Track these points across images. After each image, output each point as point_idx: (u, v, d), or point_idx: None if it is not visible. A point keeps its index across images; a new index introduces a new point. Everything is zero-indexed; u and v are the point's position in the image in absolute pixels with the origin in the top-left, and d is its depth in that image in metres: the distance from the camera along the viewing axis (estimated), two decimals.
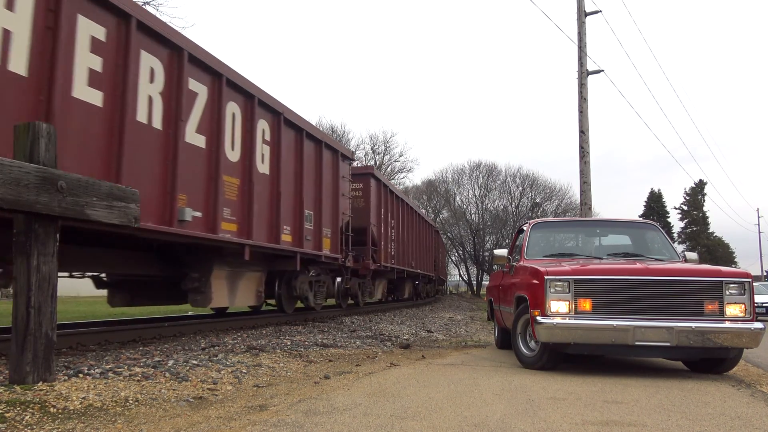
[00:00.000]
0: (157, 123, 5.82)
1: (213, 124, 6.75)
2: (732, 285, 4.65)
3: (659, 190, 62.70)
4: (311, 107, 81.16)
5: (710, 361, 4.91)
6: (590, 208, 14.55)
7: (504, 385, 4.10)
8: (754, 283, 5.60)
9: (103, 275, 7.27)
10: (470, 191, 46.92)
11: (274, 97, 8.20)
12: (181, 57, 6.12)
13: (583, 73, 14.65)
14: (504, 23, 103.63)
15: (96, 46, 5.05)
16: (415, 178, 73.49)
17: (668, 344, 4.53)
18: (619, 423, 2.98)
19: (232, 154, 7.14)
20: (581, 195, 14.50)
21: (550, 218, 17.95)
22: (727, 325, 4.53)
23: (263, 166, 7.91)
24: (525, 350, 5.24)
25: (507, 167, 49.33)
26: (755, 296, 5.03)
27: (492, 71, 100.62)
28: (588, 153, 14.39)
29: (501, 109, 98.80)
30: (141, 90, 5.56)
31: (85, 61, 4.94)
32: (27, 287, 3.18)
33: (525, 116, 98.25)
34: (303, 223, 9.05)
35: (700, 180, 59.81)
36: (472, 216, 46.22)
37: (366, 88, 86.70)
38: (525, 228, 6.65)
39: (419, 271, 19.83)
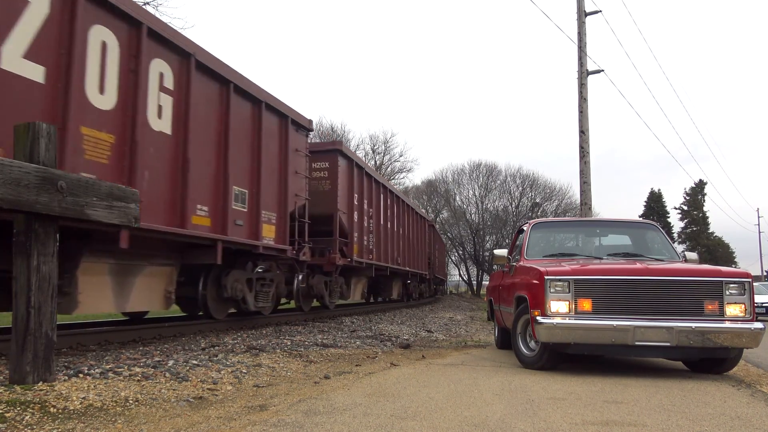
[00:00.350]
0: None
1: (60, 51, 4.81)
2: (732, 285, 4.65)
3: (659, 190, 62.78)
4: (311, 107, 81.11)
5: (710, 361, 4.91)
6: (590, 208, 14.55)
7: (504, 385, 4.10)
8: (754, 283, 5.60)
9: None
10: (470, 191, 47.01)
11: (180, 32, 6.34)
12: None
13: (583, 73, 14.65)
14: (504, 23, 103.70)
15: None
16: (415, 178, 73.59)
17: (668, 344, 4.53)
18: (619, 423, 2.98)
19: (101, 99, 5.23)
20: (581, 195, 14.50)
21: (550, 218, 17.96)
22: (727, 325, 4.53)
23: (160, 123, 5.97)
24: (525, 350, 5.24)
25: (507, 167, 49.44)
26: (755, 296, 5.02)
27: (492, 71, 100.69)
28: (588, 153, 14.39)
29: (501, 109, 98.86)
30: None
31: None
32: (27, 287, 3.18)
33: (525, 116, 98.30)
34: (229, 203, 7.02)
35: (700, 180, 59.87)
36: (472, 216, 46.29)
37: (366, 88, 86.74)
38: (525, 228, 6.65)
39: (407, 268, 17.71)
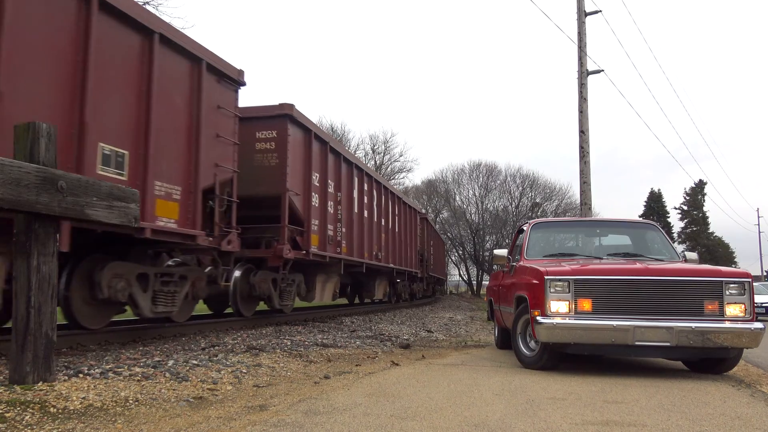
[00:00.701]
0: None
1: None
2: (732, 285, 4.65)
3: (659, 190, 62.71)
4: (311, 107, 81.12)
5: (710, 361, 4.91)
6: (590, 208, 14.55)
7: (504, 385, 4.10)
8: (754, 283, 5.60)
9: None
10: (470, 191, 47.02)
11: None
12: None
13: (583, 73, 14.65)
14: (504, 23, 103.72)
15: None
16: (415, 178, 73.63)
17: (668, 344, 4.53)
18: (619, 423, 2.98)
19: None
20: (581, 195, 14.51)
21: (550, 218, 17.96)
22: (727, 325, 4.53)
23: None
24: (525, 350, 5.24)
25: (507, 167, 49.44)
26: (755, 296, 5.03)
27: (492, 71, 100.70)
28: (588, 153, 14.39)
29: (501, 109, 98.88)
30: None
31: None
32: (27, 287, 3.18)
33: (525, 116, 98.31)
34: (90, 166, 5.09)
35: (700, 180, 59.82)
36: (472, 216, 46.30)
37: (366, 88, 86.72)
38: (525, 228, 6.65)
39: (392, 266, 15.24)
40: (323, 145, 10.27)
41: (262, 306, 9.54)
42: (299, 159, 9.31)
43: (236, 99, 7.47)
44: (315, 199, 9.80)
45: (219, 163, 6.93)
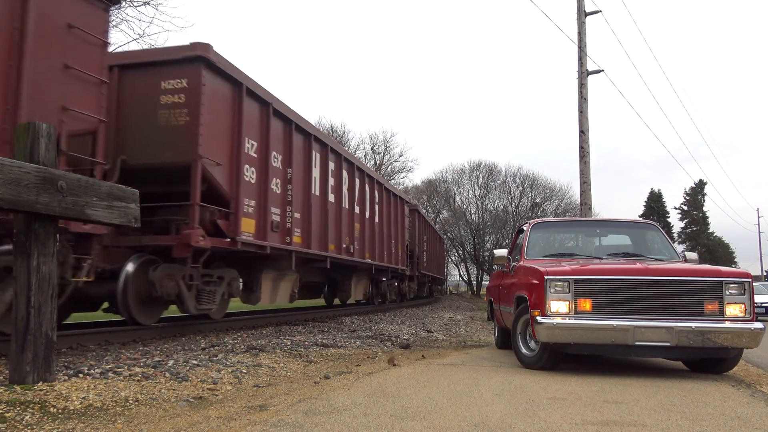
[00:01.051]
0: None
1: None
2: (732, 285, 4.65)
3: (659, 190, 62.72)
4: (311, 107, 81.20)
5: (710, 361, 4.91)
6: (590, 208, 14.55)
7: (504, 385, 4.10)
8: (754, 283, 5.60)
9: None
10: (470, 191, 47.00)
11: None
12: None
13: (583, 73, 14.65)
14: (504, 23, 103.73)
15: None
16: (415, 178, 73.55)
17: (668, 344, 4.53)
18: (619, 423, 2.98)
19: None
20: (581, 195, 14.50)
21: (550, 218, 17.95)
22: (727, 325, 4.53)
23: None
24: (525, 350, 5.24)
25: (507, 167, 49.39)
26: (755, 296, 5.03)
27: (492, 71, 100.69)
28: (588, 153, 14.39)
29: (501, 109, 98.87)
30: None
31: None
32: (27, 287, 3.18)
33: (525, 116, 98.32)
34: None
35: (700, 180, 59.80)
36: (472, 216, 46.28)
37: (366, 88, 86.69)
38: (525, 228, 6.65)
39: (371, 261, 12.91)
40: (264, 107, 8.03)
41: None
42: (222, 119, 7.11)
43: (106, 21, 5.59)
44: (249, 173, 7.65)
45: (70, 107, 5.06)
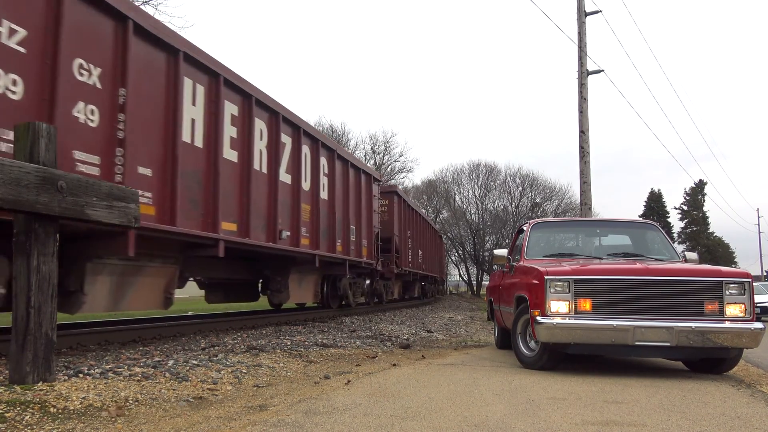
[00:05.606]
0: None
1: None
2: (732, 285, 4.65)
3: (659, 190, 62.72)
4: (311, 107, 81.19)
5: (710, 361, 4.91)
6: (590, 208, 14.55)
7: (504, 385, 4.10)
8: (754, 283, 5.60)
9: None
10: (470, 191, 46.98)
11: None
12: None
13: (583, 73, 14.65)
14: (504, 23, 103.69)
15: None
16: (415, 178, 73.51)
17: (668, 344, 4.52)
18: (619, 423, 2.98)
19: None
20: (581, 195, 14.50)
21: (550, 218, 17.94)
22: (727, 325, 4.53)
23: None
24: (525, 350, 5.24)
25: (507, 167, 49.42)
26: (755, 296, 5.02)
27: (492, 71, 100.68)
28: (588, 153, 14.39)
29: (501, 109, 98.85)
30: None
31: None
32: (27, 287, 3.18)
33: (525, 116, 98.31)
34: None
35: (700, 180, 59.79)
36: (472, 216, 46.26)
37: (366, 88, 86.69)
38: (525, 228, 6.65)
39: (317, 252, 9.49)
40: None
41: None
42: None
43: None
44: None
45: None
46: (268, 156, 8.20)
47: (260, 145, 7.99)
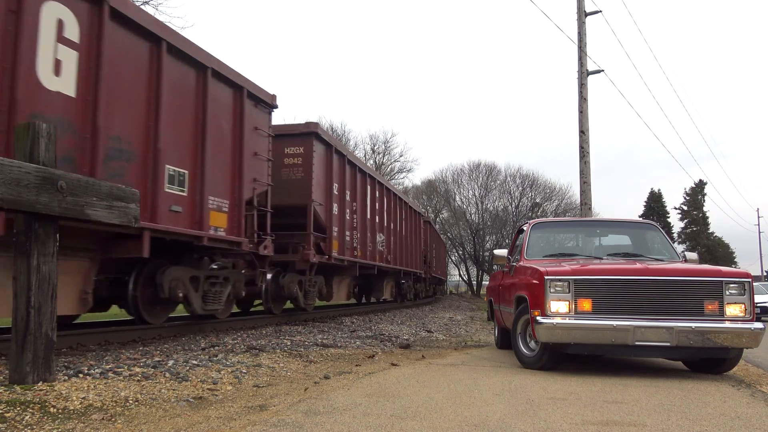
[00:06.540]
0: None
1: None
2: (732, 285, 4.65)
3: (659, 190, 62.69)
4: (311, 107, 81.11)
5: (710, 361, 4.91)
6: (590, 208, 14.54)
7: (504, 385, 4.10)
8: (754, 283, 5.60)
9: None
10: (470, 191, 47.02)
11: None
12: None
13: (583, 73, 14.65)
14: (504, 23, 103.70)
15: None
16: (415, 178, 73.54)
17: (668, 344, 4.52)
18: (619, 423, 2.98)
19: None
20: (581, 195, 14.50)
21: (550, 218, 17.94)
22: (727, 325, 4.53)
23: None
24: (525, 350, 5.24)
25: (507, 167, 49.45)
26: (755, 296, 5.03)
27: (492, 71, 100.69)
28: (588, 153, 14.39)
29: (501, 109, 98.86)
30: None
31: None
32: (27, 287, 3.18)
33: (525, 116, 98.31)
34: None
35: (700, 180, 59.76)
36: (472, 216, 46.29)
37: (366, 88, 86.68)
38: (525, 228, 6.65)
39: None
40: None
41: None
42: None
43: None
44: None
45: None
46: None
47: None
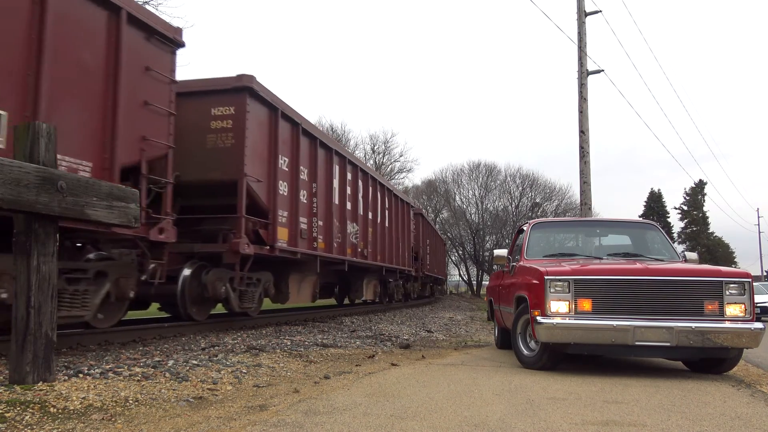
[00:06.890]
0: None
1: None
2: (732, 285, 4.65)
3: (659, 190, 62.65)
4: (312, 107, 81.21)
5: (710, 361, 4.91)
6: (590, 208, 14.54)
7: (504, 385, 4.10)
8: (754, 283, 5.60)
9: None
10: (470, 191, 47.01)
11: None
12: None
13: (583, 73, 14.64)
14: (504, 23, 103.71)
15: None
16: (415, 178, 73.49)
17: (668, 344, 4.52)
18: (619, 423, 2.98)
19: None
20: (581, 195, 14.50)
21: (550, 218, 17.95)
22: (727, 325, 4.53)
23: None
24: (525, 350, 5.24)
25: (507, 167, 49.44)
26: (755, 296, 5.03)
27: (492, 71, 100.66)
28: (588, 153, 14.38)
29: (501, 109, 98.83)
30: None
31: None
32: (27, 287, 3.18)
33: (525, 116, 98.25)
34: None
35: (700, 180, 59.71)
36: (472, 216, 46.28)
37: (366, 88, 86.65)
38: (525, 228, 6.65)
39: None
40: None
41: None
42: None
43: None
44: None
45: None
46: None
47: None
